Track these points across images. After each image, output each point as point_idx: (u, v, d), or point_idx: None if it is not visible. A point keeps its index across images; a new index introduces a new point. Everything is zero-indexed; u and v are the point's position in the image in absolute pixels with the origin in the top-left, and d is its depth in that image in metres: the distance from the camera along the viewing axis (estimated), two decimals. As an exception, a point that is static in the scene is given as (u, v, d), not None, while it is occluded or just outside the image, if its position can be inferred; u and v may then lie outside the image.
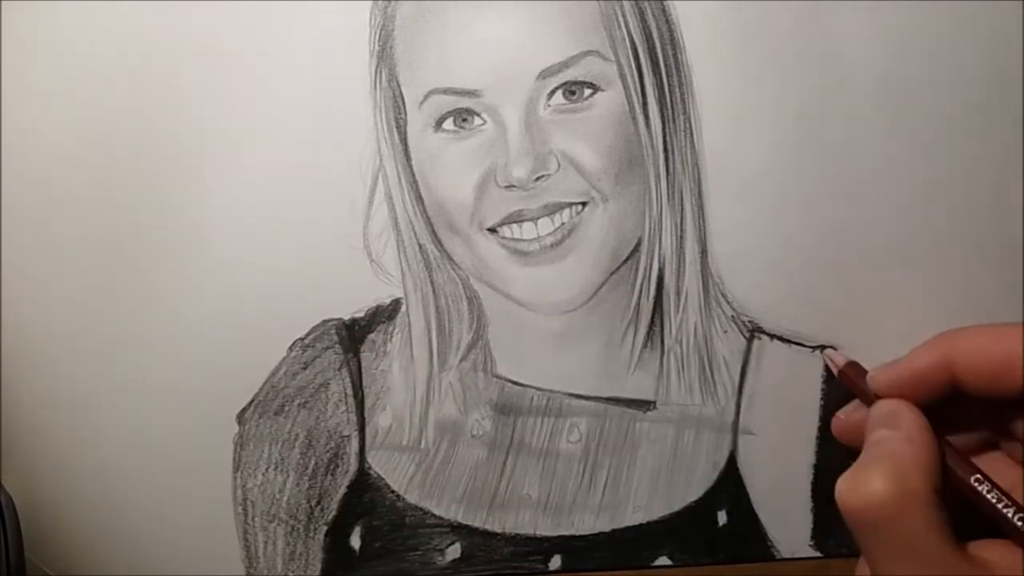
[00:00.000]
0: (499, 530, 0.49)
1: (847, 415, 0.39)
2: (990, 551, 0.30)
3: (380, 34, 0.48)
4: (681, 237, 0.49)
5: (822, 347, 0.49)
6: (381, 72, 0.48)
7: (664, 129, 0.48)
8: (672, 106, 0.48)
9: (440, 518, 0.49)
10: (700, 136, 0.48)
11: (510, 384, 0.50)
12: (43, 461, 0.49)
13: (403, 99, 0.48)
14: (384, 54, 0.48)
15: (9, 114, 0.48)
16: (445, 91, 0.47)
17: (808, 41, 0.48)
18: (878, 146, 0.49)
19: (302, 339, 0.49)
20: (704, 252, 0.49)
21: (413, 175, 0.49)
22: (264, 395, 0.49)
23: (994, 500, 0.31)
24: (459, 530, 0.49)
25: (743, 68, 0.48)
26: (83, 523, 0.49)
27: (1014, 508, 0.31)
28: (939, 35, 0.48)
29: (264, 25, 0.48)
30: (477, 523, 0.49)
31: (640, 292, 0.49)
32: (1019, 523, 0.31)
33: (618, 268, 0.49)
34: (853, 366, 0.41)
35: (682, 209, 0.49)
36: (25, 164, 0.49)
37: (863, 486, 0.30)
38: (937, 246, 0.49)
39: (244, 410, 0.49)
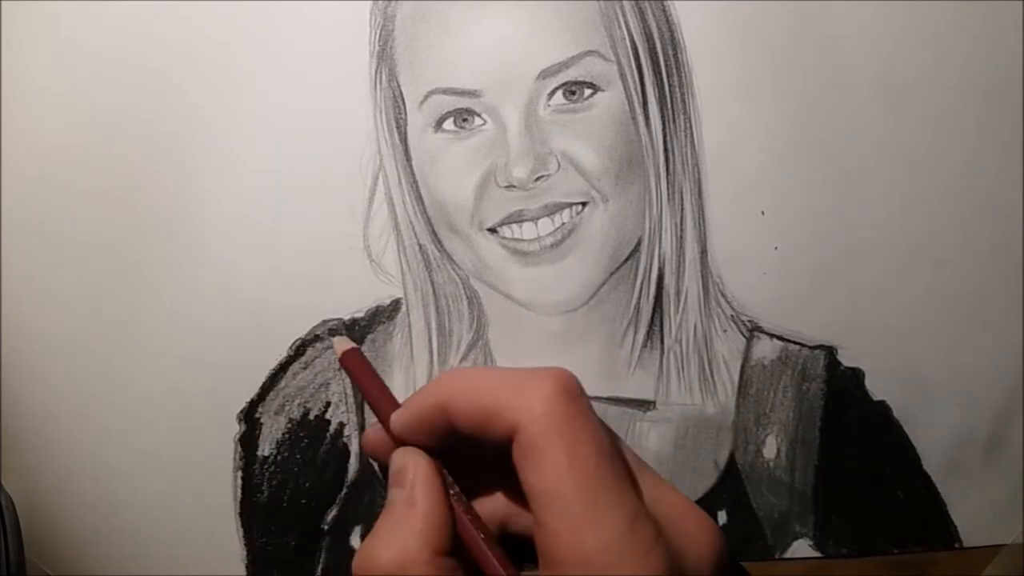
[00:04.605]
0: (499, 530, 0.49)
1: (375, 432, 0.35)
2: None
3: (380, 34, 0.48)
4: (681, 237, 0.49)
5: (822, 346, 0.49)
6: (381, 72, 0.48)
7: (664, 129, 0.48)
8: (672, 106, 0.48)
9: (440, 518, 0.49)
10: (700, 136, 0.48)
11: (510, 384, 0.50)
12: (43, 461, 0.49)
13: (403, 99, 0.48)
14: (384, 54, 0.48)
15: (9, 114, 0.48)
16: (445, 91, 0.47)
17: (808, 41, 0.48)
18: (878, 146, 0.49)
19: (302, 339, 0.49)
20: (704, 252, 0.49)
21: (413, 175, 0.49)
22: (264, 395, 0.49)
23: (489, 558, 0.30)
24: (459, 530, 0.49)
25: (743, 68, 0.48)
26: (83, 523, 0.49)
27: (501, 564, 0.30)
28: (939, 35, 0.48)
29: (264, 25, 0.48)
30: (477, 523, 0.49)
31: (640, 292, 0.49)
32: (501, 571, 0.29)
33: (618, 268, 0.49)
34: (355, 354, 0.37)
35: (682, 209, 0.49)
36: (25, 164, 0.49)
37: (371, 558, 0.29)
38: (937, 246, 0.49)
39: (244, 410, 0.49)
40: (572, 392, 0.29)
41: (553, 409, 0.28)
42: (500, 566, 0.29)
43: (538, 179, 0.47)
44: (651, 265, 0.49)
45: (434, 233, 0.49)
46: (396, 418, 0.33)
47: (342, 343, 0.37)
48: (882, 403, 0.49)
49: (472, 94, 0.47)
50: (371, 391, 0.35)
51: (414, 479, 0.31)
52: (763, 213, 0.49)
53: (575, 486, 0.27)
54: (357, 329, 0.49)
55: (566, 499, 0.27)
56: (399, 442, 0.33)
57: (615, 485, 0.28)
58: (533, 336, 0.50)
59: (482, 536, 0.30)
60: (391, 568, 0.29)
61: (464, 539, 0.30)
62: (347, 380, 0.50)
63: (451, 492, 0.32)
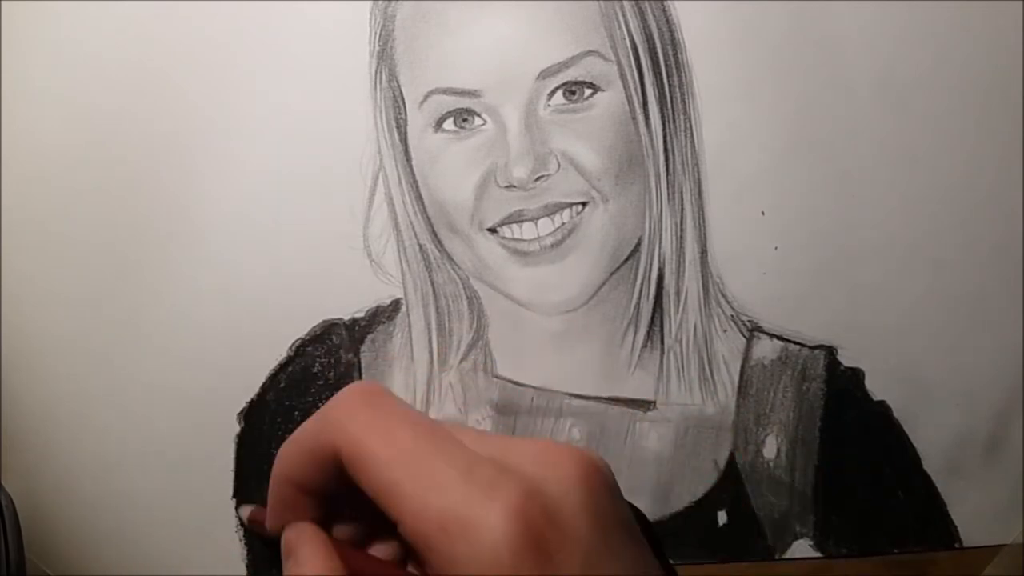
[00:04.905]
0: (499, 530, 0.49)
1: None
2: None
3: (380, 34, 0.48)
4: (681, 237, 0.49)
5: (822, 346, 0.49)
6: (381, 72, 0.48)
7: (664, 129, 0.48)
8: (672, 106, 0.48)
9: (440, 518, 0.49)
10: (700, 136, 0.48)
11: (510, 384, 0.50)
12: (43, 461, 0.49)
13: (403, 99, 0.48)
14: (384, 54, 0.48)
15: (9, 114, 0.48)
16: (445, 91, 0.47)
17: (808, 41, 0.48)
18: (878, 146, 0.49)
19: (302, 339, 0.49)
20: (704, 252, 0.49)
21: (413, 175, 0.49)
22: (264, 395, 0.49)
23: None
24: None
25: (743, 68, 0.48)
26: (83, 523, 0.49)
27: None
28: (939, 35, 0.48)
29: (264, 25, 0.48)
30: (477, 523, 0.49)
31: (640, 292, 0.49)
32: None
33: (618, 268, 0.49)
34: (260, 512, 0.39)
35: (682, 209, 0.49)
36: (25, 164, 0.49)
37: None
38: (937, 246, 0.49)
39: (244, 410, 0.49)
40: (369, 391, 0.30)
41: (355, 414, 0.29)
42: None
43: (538, 179, 0.47)
44: (651, 265, 0.49)
45: (434, 233, 0.49)
46: (261, 515, 0.34)
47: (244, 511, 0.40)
48: (882, 403, 0.49)
49: (472, 94, 0.47)
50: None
51: (297, 545, 0.32)
52: (763, 213, 0.49)
53: (400, 468, 0.27)
54: (357, 329, 0.49)
55: (399, 484, 0.27)
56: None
57: (438, 448, 0.28)
58: (533, 336, 0.50)
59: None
60: None
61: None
62: (350, 382, 0.50)
63: (345, 543, 0.32)
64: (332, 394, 0.49)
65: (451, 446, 0.28)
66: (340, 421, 0.29)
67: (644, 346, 0.49)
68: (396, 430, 0.28)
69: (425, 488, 0.27)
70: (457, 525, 0.26)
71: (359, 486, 0.29)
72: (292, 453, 0.32)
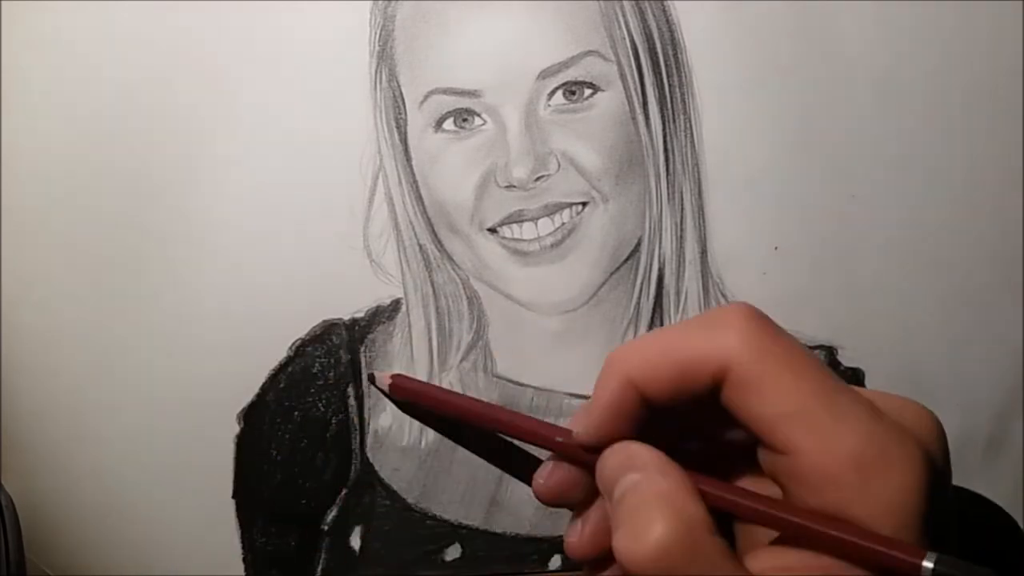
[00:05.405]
0: (499, 530, 0.49)
1: (547, 478, 0.31)
2: (767, 560, 0.27)
3: (380, 34, 0.48)
4: (681, 237, 0.49)
5: (822, 346, 0.49)
6: (381, 72, 0.48)
7: (664, 129, 0.48)
8: (672, 106, 0.48)
9: (440, 518, 0.49)
10: (700, 136, 0.48)
11: (510, 384, 0.50)
12: (43, 461, 0.49)
13: (403, 99, 0.48)
14: (384, 54, 0.48)
15: (9, 114, 0.48)
16: (445, 91, 0.47)
17: (808, 41, 0.48)
18: (878, 146, 0.49)
19: (302, 339, 0.49)
20: (704, 252, 0.49)
21: (413, 175, 0.49)
22: (264, 395, 0.49)
23: (763, 508, 0.27)
24: (459, 530, 0.49)
25: (743, 68, 0.48)
26: (83, 523, 0.49)
27: (782, 508, 0.27)
28: (940, 35, 0.48)
29: (264, 26, 0.48)
30: (477, 523, 0.49)
31: (640, 292, 0.49)
32: (797, 519, 0.26)
33: (618, 268, 0.49)
34: (407, 380, 0.33)
35: (682, 209, 0.49)
36: (25, 164, 0.49)
37: (645, 535, 0.25)
38: (937, 246, 0.49)
39: (244, 410, 0.49)
40: (762, 315, 0.27)
41: (755, 335, 0.27)
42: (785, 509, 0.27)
43: (538, 179, 0.47)
44: (651, 265, 0.49)
45: (434, 233, 0.49)
46: (582, 425, 0.29)
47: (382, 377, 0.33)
48: (882, 403, 0.49)
49: (472, 94, 0.47)
50: (520, 424, 0.31)
51: (649, 458, 0.28)
52: (763, 213, 0.49)
53: (813, 398, 0.26)
54: (357, 329, 0.49)
55: (808, 413, 0.26)
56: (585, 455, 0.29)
57: (843, 386, 0.27)
58: (533, 336, 0.50)
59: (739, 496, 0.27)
60: (678, 534, 0.25)
61: (715, 501, 0.27)
62: (350, 381, 0.50)
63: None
64: (332, 394, 0.50)
65: (846, 384, 0.27)
66: (734, 344, 0.26)
67: (644, 346, 0.49)
68: (800, 357, 0.26)
69: (839, 421, 0.25)
70: (875, 463, 0.25)
71: (733, 410, 0.27)
72: (659, 361, 0.28)
